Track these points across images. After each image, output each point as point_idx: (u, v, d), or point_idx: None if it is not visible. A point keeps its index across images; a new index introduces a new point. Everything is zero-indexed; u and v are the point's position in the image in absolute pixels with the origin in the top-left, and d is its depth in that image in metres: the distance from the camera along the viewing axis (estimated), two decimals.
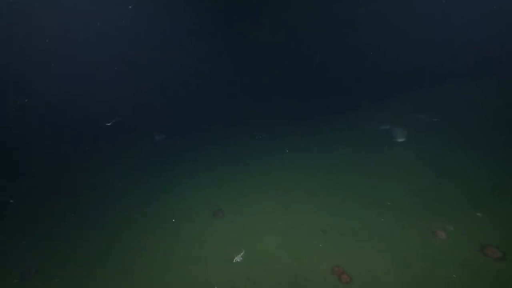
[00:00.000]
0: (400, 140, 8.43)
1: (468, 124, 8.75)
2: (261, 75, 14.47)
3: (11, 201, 8.12)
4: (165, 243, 6.07)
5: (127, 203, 7.55)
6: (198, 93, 14.58)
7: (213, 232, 6.19)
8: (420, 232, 5.44)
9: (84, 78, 13.00)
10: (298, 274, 5.03)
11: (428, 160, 7.48)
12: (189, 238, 6.11)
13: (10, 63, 11.67)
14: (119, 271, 5.57)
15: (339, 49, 14.26)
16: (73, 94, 12.63)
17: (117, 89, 13.48)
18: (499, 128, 8.29)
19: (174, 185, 8.03)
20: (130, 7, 13.40)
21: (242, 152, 9.43)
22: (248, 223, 6.30)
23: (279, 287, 4.88)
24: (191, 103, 14.09)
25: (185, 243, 5.98)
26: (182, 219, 6.70)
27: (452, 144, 7.92)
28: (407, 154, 7.81)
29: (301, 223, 6.09)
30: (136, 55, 14.19)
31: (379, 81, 12.96)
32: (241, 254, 5.51)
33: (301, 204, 6.63)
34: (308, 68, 14.32)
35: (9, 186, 8.90)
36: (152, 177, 8.63)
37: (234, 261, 5.39)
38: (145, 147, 10.88)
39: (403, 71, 12.71)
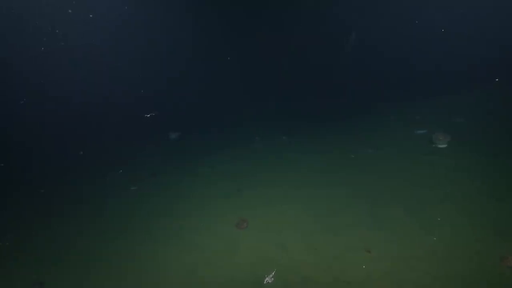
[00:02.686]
0: (441, 146, 7.60)
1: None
2: (286, 74, 13.78)
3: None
4: (183, 260, 5.42)
5: (140, 211, 6.97)
6: (212, 92, 14.02)
7: (237, 247, 5.51)
8: (485, 256, 4.62)
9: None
10: None
11: (477, 169, 6.63)
12: (211, 253, 5.44)
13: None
14: None
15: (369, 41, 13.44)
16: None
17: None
18: None
19: (190, 192, 7.42)
20: (126, 7, 13.25)
21: (264, 156, 8.77)
22: (276, 236, 5.60)
23: None
24: (206, 103, 13.53)
25: (207, 259, 5.31)
26: (201, 231, 6.05)
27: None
28: (453, 162, 6.97)
29: (339, 238, 5.35)
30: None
31: (415, 80, 12.09)
32: (272, 274, 4.81)
33: (338, 217, 5.89)
34: (340, 55, 13.44)
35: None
36: (166, 183, 8.06)
37: (265, 282, 4.70)
38: (159, 149, 10.38)
39: (440, 70, 11.81)
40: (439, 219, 5.41)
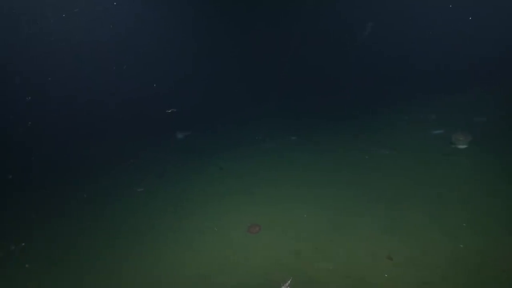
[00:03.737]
0: (462, 146, 7.25)
1: None
2: (295, 72, 13.47)
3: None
4: (192, 267, 5.19)
5: (147, 213, 6.76)
6: (219, 90, 13.77)
7: (249, 252, 5.25)
8: None
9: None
10: None
11: (501, 171, 6.29)
12: (221, 260, 5.19)
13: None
14: None
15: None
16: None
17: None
18: None
19: (196, 194, 7.19)
20: (114, 3, 13.01)
21: (275, 156, 8.51)
22: (291, 242, 5.33)
23: None
24: (214, 100, 13.29)
25: (217, 267, 5.07)
26: (208, 235, 5.81)
27: None
28: (475, 163, 6.63)
29: (358, 244, 5.07)
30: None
31: (429, 77, 11.70)
32: (288, 282, 4.54)
33: (356, 221, 5.60)
34: (350, 51, 13.08)
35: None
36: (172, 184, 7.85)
37: None
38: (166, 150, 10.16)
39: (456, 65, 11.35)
40: (464, 224, 5.09)
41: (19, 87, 11.12)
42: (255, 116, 11.85)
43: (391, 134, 8.61)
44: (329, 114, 11.07)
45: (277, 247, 5.25)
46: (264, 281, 4.62)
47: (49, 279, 5.21)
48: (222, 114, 12.42)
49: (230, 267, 4.97)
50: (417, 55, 12.57)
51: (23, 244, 6.18)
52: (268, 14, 13.61)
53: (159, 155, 9.76)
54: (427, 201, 5.77)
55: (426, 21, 12.82)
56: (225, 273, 4.89)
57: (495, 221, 5.06)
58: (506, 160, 6.57)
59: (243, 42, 13.81)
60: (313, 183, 6.96)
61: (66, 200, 7.70)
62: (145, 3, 13.04)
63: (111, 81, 12.57)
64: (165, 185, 7.83)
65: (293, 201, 6.40)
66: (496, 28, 11.70)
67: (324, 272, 4.64)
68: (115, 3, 12.52)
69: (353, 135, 9.01)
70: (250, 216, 6.09)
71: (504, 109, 8.77)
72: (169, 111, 11.16)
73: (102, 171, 9.06)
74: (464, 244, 4.73)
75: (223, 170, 8.18)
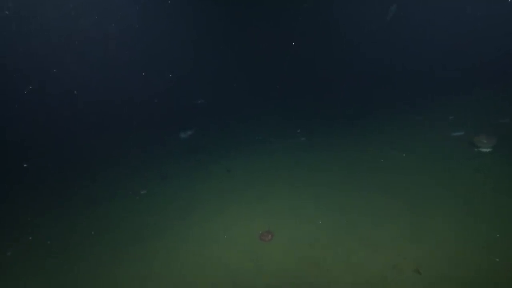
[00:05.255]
0: (486, 149, 6.81)
1: None
2: (306, 71, 13.08)
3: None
4: (200, 274, 4.80)
5: (151, 218, 6.39)
6: (225, 89, 13.40)
7: (262, 261, 4.86)
8: None
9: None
10: None
11: None
12: (232, 271, 4.80)
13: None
14: None
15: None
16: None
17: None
18: None
19: (205, 200, 6.81)
20: None
21: (285, 159, 8.11)
22: (308, 252, 4.93)
23: None
24: (221, 100, 12.91)
25: (229, 275, 4.68)
26: (220, 243, 5.42)
27: None
28: (502, 168, 6.19)
29: (381, 254, 4.66)
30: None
31: (445, 75, 11.23)
32: None
33: (375, 229, 5.19)
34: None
35: None
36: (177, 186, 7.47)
37: None
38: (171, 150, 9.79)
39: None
40: (498, 235, 4.66)
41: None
42: (270, 116, 11.43)
43: (409, 137, 8.19)
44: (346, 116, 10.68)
45: (291, 256, 4.86)
46: None
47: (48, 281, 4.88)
48: (231, 112, 12.04)
49: (242, 275, 4.59)
50: (439, 54, 12.13)
51: (29, 238, 5.95)
52: (291, 16, 13.31)
53: (162, 156, 9.40)
54: (454, 209, 5.35)
55: (453, 21, 12.35)
56: (237, 282, 4.51)
57: None
58: None
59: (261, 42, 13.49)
60: (324, 188, 6.56)
61: (68, 201, 7.36)
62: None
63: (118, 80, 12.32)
64: (169, 187, 7.46)
65: (306, 208, 6.00)
66: None
67: (346, 286, 4.24)
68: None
69: (366, 137, 8.61)
70: (262, 223, 5.70)
71: None
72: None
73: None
74: (499, 257, 4.31)
75: (230, 173, 7.81)
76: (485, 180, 5.91)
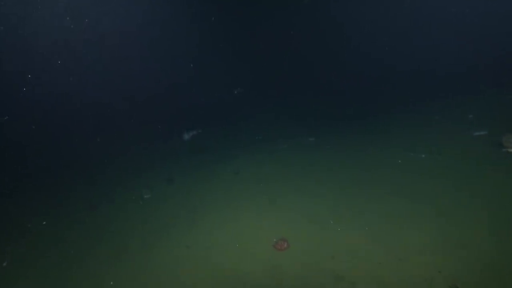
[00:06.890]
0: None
1: None
2: (318, 69, 12.66)
3: None
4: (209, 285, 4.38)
5: (159, 225, 5.98)
6: (234, 89, 13.02)
7: (279, 274, 4.42)
8: None
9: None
10: None
11: None
12: (245, 282, 4.37)
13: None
14: None
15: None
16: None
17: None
18: None
19: (214, 206, 6.39)
20: None
21: (296, 162, 7.68)
22: (326, 263, 4.48)
23: None
24: (228, 100, 12.53)
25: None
26: (229, 252, 5.00)
27: None
28: None
29: (408, 266, 4.20)
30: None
31: (464, 72, 10.75)
32: None
33: (399, 236, 4.73)
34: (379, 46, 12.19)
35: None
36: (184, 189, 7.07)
37: None
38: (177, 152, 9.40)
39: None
40: None
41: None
42: (269, 117, 11.04)
43: (433, 138, 7.72)
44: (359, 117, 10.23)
45: (309, 267, 4.42)
46: None
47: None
48: (234, 113, 11.65)
49: None
50: (461, 53, 11.68)
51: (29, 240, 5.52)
52: (301, 17, 12.96)
53: (166, 159, 9.01)
54: (484, 215, 4.88)
55: (473, 20, 11.90)
56: None
57: None
58: None
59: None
60: (340, 192, 6.12)
61: (71, 206, 7.00)
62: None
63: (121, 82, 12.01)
64: (175, 192, 7.07)
65: (323, 214, 5.56)
66: None
67: None
68: None
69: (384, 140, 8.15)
70: (276, 230, 5.27)
71: None
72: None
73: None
74: None
75: (238, 174, 7.40)
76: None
